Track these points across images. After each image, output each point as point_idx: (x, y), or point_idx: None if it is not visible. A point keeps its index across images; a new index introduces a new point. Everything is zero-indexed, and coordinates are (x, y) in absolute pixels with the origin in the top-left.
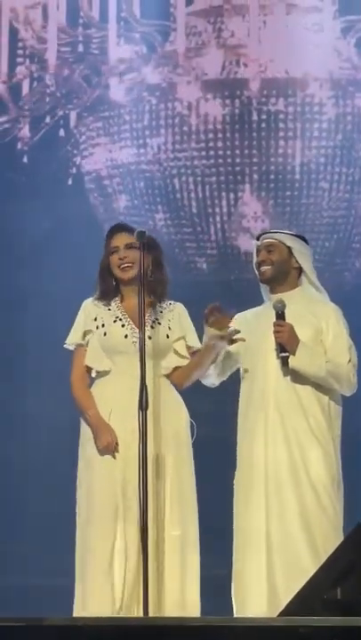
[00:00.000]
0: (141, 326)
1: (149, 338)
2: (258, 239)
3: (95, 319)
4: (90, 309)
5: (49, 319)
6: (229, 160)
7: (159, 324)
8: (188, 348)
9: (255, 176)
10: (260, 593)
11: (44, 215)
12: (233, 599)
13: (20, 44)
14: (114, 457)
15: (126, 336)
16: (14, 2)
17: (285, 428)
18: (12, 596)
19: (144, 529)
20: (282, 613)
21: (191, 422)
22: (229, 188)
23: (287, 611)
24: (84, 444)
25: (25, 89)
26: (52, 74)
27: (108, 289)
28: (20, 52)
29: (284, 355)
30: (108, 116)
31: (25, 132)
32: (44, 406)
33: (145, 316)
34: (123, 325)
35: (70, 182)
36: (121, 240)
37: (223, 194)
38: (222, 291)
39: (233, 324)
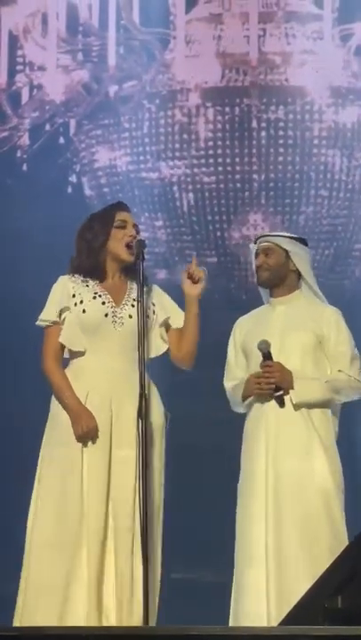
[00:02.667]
0: (141, 333)
1: (130, 317)
2: (255, 242)
3: (74, 295)
4: (67, 285)
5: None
6: (229, 168)
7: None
8: (177, 329)
9: (255, 184)
10: (257, 607)
11: (43, 223)
12: (231, 611)
13: (20, 52)
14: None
15: (107, 315)
16: (14, 10)
17: (289, 437)
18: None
19: (144, 536)
20: (283, 622)
21: (166, 413)
22: (229, 196)
23: (288, 620)
24: (55, 429)
25: (24, 97)
26: (52, 82)
27: (98, 266)
28: (20, 59)
29: (278, 394)
30: (107, 124)
31: (24, 140)
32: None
33: (125, 295)
34: (103, 303)
35: (70, 190)
36: (128, 217)
37: (223, 201)
38: (222, 299)
39: (236, 331)
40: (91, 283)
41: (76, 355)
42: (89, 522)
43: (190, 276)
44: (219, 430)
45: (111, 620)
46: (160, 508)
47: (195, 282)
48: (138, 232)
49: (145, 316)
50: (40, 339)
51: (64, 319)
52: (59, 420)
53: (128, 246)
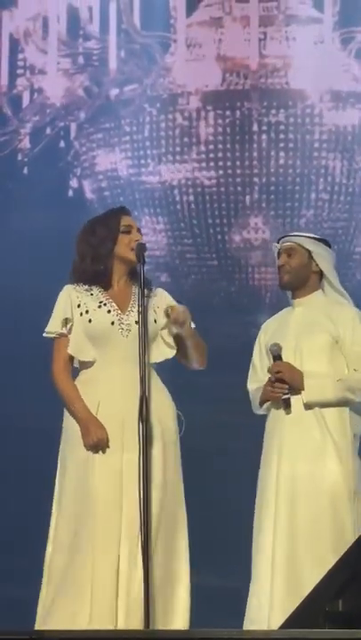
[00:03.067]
0: (142, 336)
1: (136, 323)
2: (278, 242)
3: (79, 305)
4: (72, 295)
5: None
6: (230, 171)
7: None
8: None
9: (255, 187)
10: (265, 613)
11: (44, 226)
12: (245, 617)
13: (21, 56)
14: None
15: (113, 323)
16: (15, 13)
17: (300, 439)
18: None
19: (145, 542)
20: (283, 626)
21: (179, 415)
22: (230, 200)
23: (289, 623)
24: (68, 440)
25: (25, 100)
26: (53, 85)
27: (104, 272)
28: (21, 63)
29: (285, 397)
30: (108, 128)
31: (25, 143)
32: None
33: (130, 302)
34: (109, 311)
35: (71, 194)
36: (132, 222)
37: (223, 205)
38: (223, 302)
39: (261, 334)
40: (95, 291)
41: (85, 365)
42: (104, 527)
43: (175, 322)
44: (222, 433)
45: (128, 623)
46: (184, 517)
47: (181, 325)
48: (141, 235)
49: (146, 320)
50: (42, 340)
51: (70, 329)
52: (71, 432)
53: (132, 250)
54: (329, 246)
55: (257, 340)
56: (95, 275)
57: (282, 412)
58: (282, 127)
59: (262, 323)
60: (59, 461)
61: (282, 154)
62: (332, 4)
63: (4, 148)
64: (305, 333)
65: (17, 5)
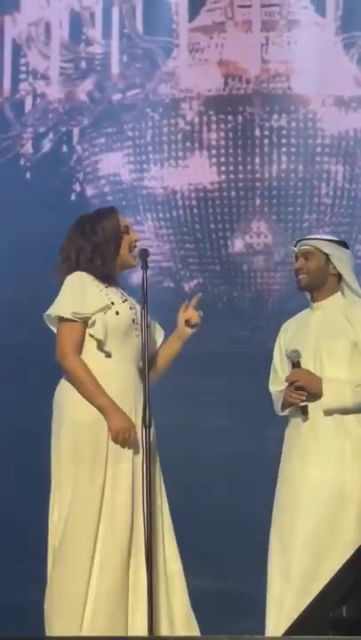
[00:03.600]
0: (145, 342)
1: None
2: (295, 245)
3: (106, 294)
4: (94, 282)
5: (52, 335)
6: (232, 176)
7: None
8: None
9: (258, 192)
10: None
11: (47, 231)
12: (266, 624)
13: (23, 61)
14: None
15: (133, 320)
16: (17, 19)
17: (319, 445)
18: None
19: (149, 549)
20: (287, 632)
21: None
22: (232, 204)
23: (293, 629)
24: (78, 441)
25: (28, 105)
26: (55, 90)
27: (111, 273)
28: (23, 68)
29: (303, 404)
30: (110, 132)
31: (28, 148)
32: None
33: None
34: (130, 308)
35: (73, 198)
36: (128, 221)
37: (226, 209)
38: (225, 306)
39: (281, 335)
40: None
41: (95, 356)
42: (107, 532)
43: (188, 321)
44: (226, 438)
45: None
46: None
47: (191, 326)
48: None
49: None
50: (44, 355)
51: (95, 319)
52: (80, 430)
53: (131, 250)
54: (348, 247)
55: (277, 340)
56: (104, 276)
57: (300, 417)
58: (284, 132)
59: (265, 327)
60: (62, 461)
61: (284, 158)
62: (334, 8)
63: (6, 152)
64: (325, 337)
65: (19, 10)
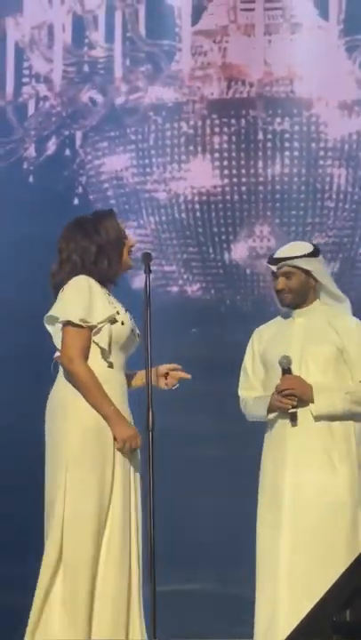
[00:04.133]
0: (149, 346)
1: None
2: (274, 264)
3: (110, 302)
4: (100, 289)
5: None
6: (235, 179)
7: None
8: None
9: (260, 195)
10: (277, 622)
11: (50, 235)
12: (255, 627)
13: (26, 65)
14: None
15: (132, 330)
16: (20, 22)
17: (307, 451)
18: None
19: (152, 553)
20: (290, 636)
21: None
22: (235, 208)
23: (296, 633)
24: (85, 447)
25: (31, 109)
26: (58, 94)
27: (116, 276)
28: (26, 72)
29: (293, 411)
30: (113, 136)
31: (31, 151)
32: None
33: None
34: (131, 318)
35: (76, 202)
36: (123, 225)
37: (229, 213)
38: (227, 310)
39: (255, 340)
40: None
41: (99, 364)
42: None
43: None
44: (228, 442)
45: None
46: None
47: (165, 384)
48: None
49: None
50: (46, 358)
51: (101, 327)
52: (88, 435)
53: (130, 253)
54: (320, 252)
55: (249, 346)
56: (107, 280)
57: (287, 422)
58: (287, 135)
59: None
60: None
61: (287, 162)
62: (337, 12)
63: (9, 156)
64: (310, 343)
65: (22, 14)
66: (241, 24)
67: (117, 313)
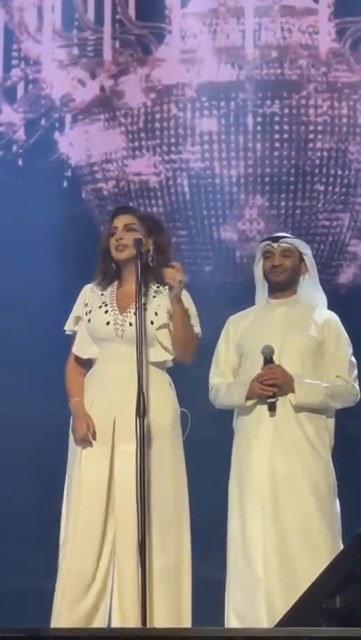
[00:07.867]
0: (140, 333)
1: (130, 325)
2: (274, 241)
3: (86, 304)
4: (86, 295)
5: (47, 319)
6: (225, 162)
7: (145, 309)
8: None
9: (250, 178)
10: (254, 607)
11: (39, 218)
12: (225, 611)
13: (15, 47)
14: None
15: (108, 323)
16: (9, 4)
17: (283, 439)
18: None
19: (142, 536)
20: (280, 623)
21: (183, 412)
22: (224, 191)
23: (285, 620)
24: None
25: (20, 91)
26: (47, 76)
27: (107, 272)
28: (15, 54)
29: (272, 400)
30: (103, 119)
31: (20, 134)
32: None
33: (132, 302)
34: (106, 312)
35: (66, 185)
36: (120, 221)
37: (218, 196)
38: (218, 294)
39: (230, 328)
40: (108, 290)
41: (94, 362)
42: (85, 518)
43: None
44: (213, 427)
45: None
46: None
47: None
48: (133, 229)
49: (144, 317)
50: (38, 339)
51: (74, 330)
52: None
53: (117, 250)
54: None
55: (223, 333)
56: (102, 274)
57: (263, 409)
58: (277, 118)
59: None
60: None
61: (277, 145)
62: None
63: None
64: (291, 333)
65: None
66: (231, 6)
67: (89, 312)
